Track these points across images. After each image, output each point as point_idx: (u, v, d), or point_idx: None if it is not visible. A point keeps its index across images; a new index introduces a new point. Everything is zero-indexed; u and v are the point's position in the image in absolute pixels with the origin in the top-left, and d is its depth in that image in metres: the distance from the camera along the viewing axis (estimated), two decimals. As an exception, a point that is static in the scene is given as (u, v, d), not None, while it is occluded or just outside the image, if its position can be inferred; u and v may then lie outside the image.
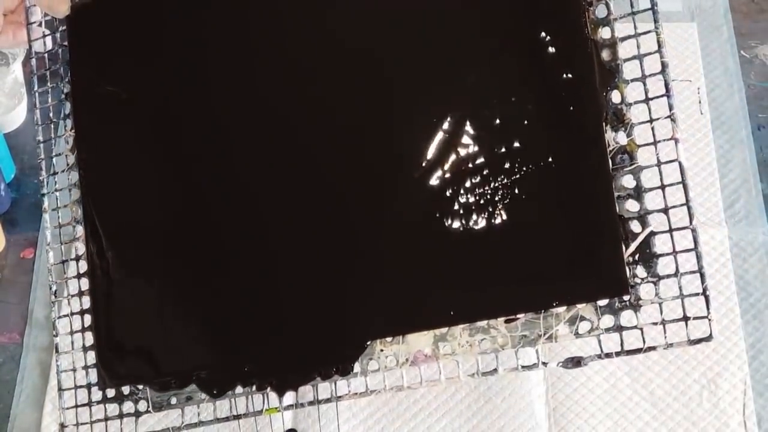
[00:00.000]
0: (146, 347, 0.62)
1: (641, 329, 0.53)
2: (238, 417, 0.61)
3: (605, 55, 0.54)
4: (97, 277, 0.63)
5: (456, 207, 0.55)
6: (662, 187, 0.53)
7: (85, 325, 0.63)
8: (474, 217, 0.55)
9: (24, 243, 0.75)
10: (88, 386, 0.64)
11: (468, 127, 0.56)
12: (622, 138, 0.53)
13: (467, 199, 0.55)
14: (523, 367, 0.54)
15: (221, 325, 0.61)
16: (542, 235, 0.54)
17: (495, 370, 0.55)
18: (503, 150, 0.55)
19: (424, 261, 0.56)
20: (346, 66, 0.59)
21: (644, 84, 0.53)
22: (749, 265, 0.70)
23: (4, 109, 0.78)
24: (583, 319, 0.53)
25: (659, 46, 0.53)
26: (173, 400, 0.62)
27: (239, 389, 0.60)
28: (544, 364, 0.54)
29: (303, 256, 0.59)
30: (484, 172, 0.55)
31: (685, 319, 0.52)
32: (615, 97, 0.54)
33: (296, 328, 0.59)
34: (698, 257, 0.52)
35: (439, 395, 0.68)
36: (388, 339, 0.57)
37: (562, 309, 0.54)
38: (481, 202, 0.55)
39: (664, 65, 0.53)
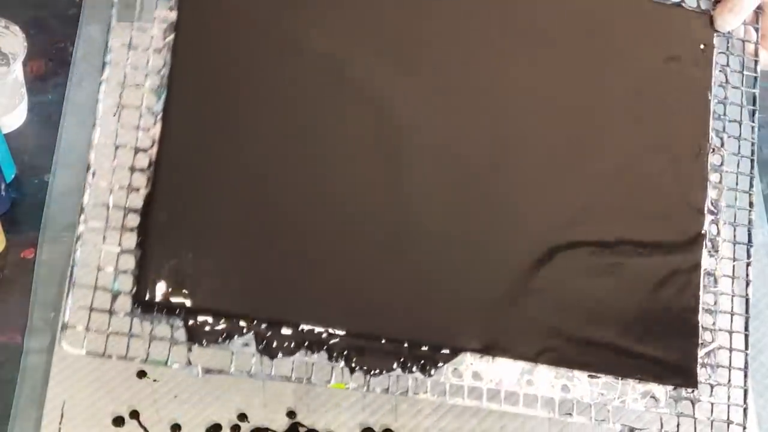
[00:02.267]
0: (216, 269, 0.57)
1: (694, 419, 0.63)
2: (299, 381, 0.57)
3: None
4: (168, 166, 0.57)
5: (574, 264, 0.62)
6: (731, 314, 0.66)
7: (127, 225, 0.57)
8: (586, 279, 0.62)
9: (24, 243, 0.74)
10: (116, 293, 0.56)
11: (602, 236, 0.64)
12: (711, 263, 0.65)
13: (583, 260, 0.62)
14: (596, 419, 0.61)
15: (319, 285, 0.59)
16: (639, 318, 0.63)
17: (570, 414, 0.61)
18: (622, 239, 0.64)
19: (536, 300, 0.61)
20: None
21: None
22: (740, 262, 0.70)
23: (4, 109, 0.78)
24: (653, 397, 0.63)
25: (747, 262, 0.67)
26: (219, 339, 0.57)
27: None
28: (614, 423, 0.62)
29: (428, 246, 0.60)
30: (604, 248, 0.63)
31: (728, 422, 0.64)
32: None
33: (396, 314, 0.59)
34: (745, 376, 0.65)
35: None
36: (479, 356, 0.59)
37: (640, 384, 0.62)
38: (597, 270, 0.63)
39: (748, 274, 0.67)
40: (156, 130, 0.58)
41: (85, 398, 0.67)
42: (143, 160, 0.57)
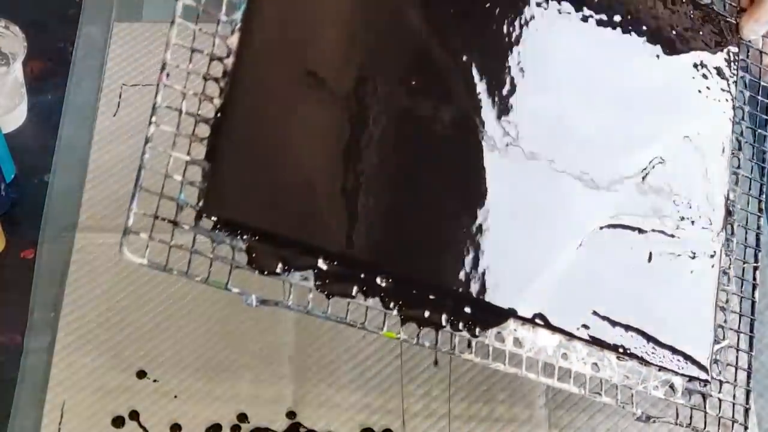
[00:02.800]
0: (283, 194, 0.55)
1: (705, 413, 0.65)
2: (353, 324, 0.56)
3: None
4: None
5: (614, 247, 0.64)
6: (740, 315, 0.68)
7: (197, 134, 0.54)
8: (622, 264, 0.64)
9: (24, 243, 0.74)
10: (183, 204, 0.53)
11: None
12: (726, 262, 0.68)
13: (621, 245, 0.64)
14: (621, 402, 0.62)
15: (383, 226, 0.57)
16: (665, 308, 0.65)
17: (599, 393, 0.62)
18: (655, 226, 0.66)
19: (579, 277, 0.62)
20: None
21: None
22: (749, 265, 0.71)
23: (4, 110, 0.78)
24: (671, 386, 0.64)
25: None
26: (278, 268, 0.54)
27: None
28: (636, 408, 0.63)
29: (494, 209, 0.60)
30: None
31: (733, 420, 0.66)
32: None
33: (452, 268, 0.59)
34: (748, 376, 0.67)
35: (439, 396, 0.69)
36: (521, 323, 0.60)
37: (660, 372, 0.64)
38: (632, 255, 0.64)
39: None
40: (233, 40, 0.55)
41: (85, 398, 0.67)
42: (218, 69, 0.55)
